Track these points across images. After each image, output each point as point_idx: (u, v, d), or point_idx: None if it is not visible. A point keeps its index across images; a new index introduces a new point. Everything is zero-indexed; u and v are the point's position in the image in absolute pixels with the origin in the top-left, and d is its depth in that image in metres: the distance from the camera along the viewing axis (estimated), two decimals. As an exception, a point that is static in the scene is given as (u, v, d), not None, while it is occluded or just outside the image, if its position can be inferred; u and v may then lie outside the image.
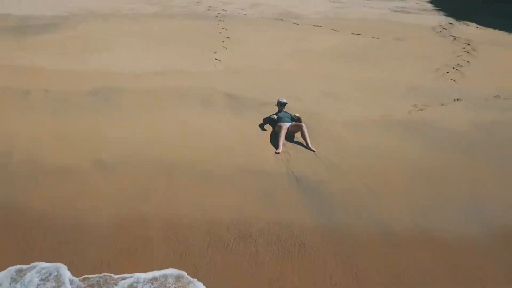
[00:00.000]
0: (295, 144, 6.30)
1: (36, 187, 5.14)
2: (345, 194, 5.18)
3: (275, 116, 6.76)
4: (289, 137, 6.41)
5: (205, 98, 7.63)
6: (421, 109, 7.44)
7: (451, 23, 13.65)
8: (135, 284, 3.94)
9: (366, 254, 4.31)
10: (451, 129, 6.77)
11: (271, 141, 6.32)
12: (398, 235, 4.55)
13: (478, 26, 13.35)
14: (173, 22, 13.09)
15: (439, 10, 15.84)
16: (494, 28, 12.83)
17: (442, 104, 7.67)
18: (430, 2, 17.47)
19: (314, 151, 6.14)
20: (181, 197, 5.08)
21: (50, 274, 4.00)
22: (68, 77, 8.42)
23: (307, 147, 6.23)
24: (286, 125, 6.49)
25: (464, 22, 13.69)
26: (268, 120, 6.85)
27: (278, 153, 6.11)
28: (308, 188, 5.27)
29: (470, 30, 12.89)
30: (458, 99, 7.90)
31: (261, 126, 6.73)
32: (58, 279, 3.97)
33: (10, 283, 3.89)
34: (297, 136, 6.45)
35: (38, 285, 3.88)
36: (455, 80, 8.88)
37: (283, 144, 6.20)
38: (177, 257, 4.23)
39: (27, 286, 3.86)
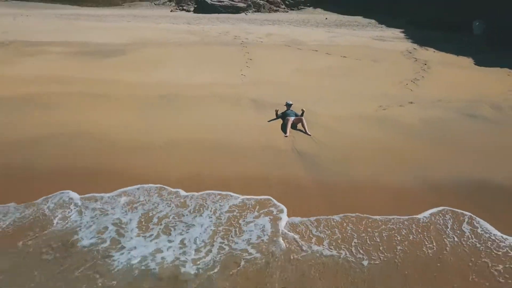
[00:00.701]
0: (297, 131, 7.66)
1: (131, 158, 6.61)
2: (329, 161, 6.52)
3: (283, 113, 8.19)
4: (293, 126, 7.77)
5: (235, 101, 9.08)
6: (385, 109, 8.76)
7: (415, 48, 14.83)
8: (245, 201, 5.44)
9: (339, 193, 5.67)
10: (405, 122, 8.08)
11: (281, 129, 7.69)
12: (361, 183, 5.91)
13: (435, 50, 14.50)
14: (209, 48, 14.56)
15: (408, 38, 16.97)
16: (446, 52, 13.98)
17: (400, 106, 8.96)
18: (402, 32, 18.59)
19: (310, 135, 7.52)
20: (224, 164, 6.46)
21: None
22: (141, 86, 9.91)
23: (305, 132, 7.60)
24: (291, 119, 7.87)
25: (425, 47, 14.85)
26: (279, 115, 8.23)
27: (286, 136, 7.50)
28: (306, 158, 6.63)
29: (429, 53, 14.08)
30: (412, 102, 9.19)
31: (274, 120, 8.14)
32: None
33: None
34: (299, 126, 7.80)
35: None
36: (411, 89, 10.16)
37: (290, 131, 7.61)
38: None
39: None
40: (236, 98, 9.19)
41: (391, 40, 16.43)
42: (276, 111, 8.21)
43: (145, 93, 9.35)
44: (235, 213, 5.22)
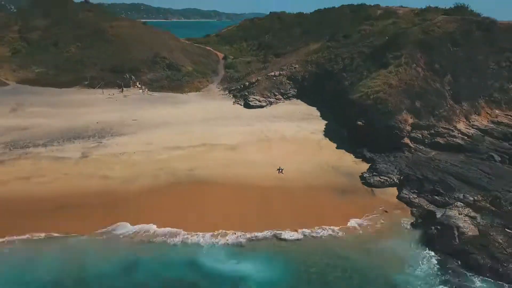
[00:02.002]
0: (281, 173, 37.51)
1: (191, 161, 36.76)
2: (291, 180, 36.27)
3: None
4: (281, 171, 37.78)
5: (230, 148, 39.17)
6: (311, 168, 38.84)
7: (320, 139, 44.86)
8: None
9: (296, 193, 35.00)
10: (322, 170, 38.02)
11: (278, 172, 37.67)
12: (313, 186, 35.46)
13: (329, 140, 44.41)
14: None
15: (321, 132, 46.90)
16: (333, 141, 43.94)
17: (320, 167, 39.02)
18: (324, 126, 48.35)
19: (283, 174, 37.65)
20: (239, 171, 36.50)
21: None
22: (185, 139, 40.01)
23: (280, 172, 37.61)
24: (281, 169, 37.99)
25: (325, 138, 44.76)
26: (278, 169, 38.05)
27: (280, 173, 37.70)
28: (279, 180, 36.50)
29: (325, 141, 44.00)
30: (319, 165, 39.23)
31: (278, 170, 38.04)
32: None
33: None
34: (281, 172, 37.70)
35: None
36: (313, 157, 40.20)
37: (279, 173, 37.55)
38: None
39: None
40: (231, 146, 39.30)
41: (315, 133, 46.35)
42: (278, 168, 38.17)
43: (188, 144, 39.65)
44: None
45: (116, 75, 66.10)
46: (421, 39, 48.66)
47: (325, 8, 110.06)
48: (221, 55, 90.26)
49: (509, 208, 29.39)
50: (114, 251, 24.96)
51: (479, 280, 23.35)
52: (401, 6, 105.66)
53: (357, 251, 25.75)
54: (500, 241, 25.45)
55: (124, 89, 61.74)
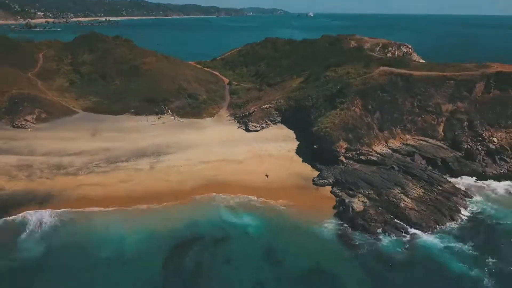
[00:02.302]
0: (267, 178, 63.89)
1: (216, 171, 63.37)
2: (272, 182, 62.70)
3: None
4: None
5: (238, 162, 65.73)
6: (286, 174, 65.41)
7: (292, 157, 71.66)
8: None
9: (274, 189, 61.59)
10: (293, 174, 64.62)
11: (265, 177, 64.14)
12: (285, 185, 62.04)
13: (300, 157, 70.99)
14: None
15: (294, 151, 73.52)
16: (304, 158, 70.59)
17: (288, 173, 65.65)
18: (295, 146, 74.92)
19: (267, 178, 64.20)
20: (242, 177, 63.06)
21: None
22: (209, 156, 66.54)
23: (266, 177, 64.10)
24: (267, 175, 64.56)
25: (299, 157, 71.34)
26: (265, 175, 64.53)
27: (266, 178, 64.30)
28: (265, 183, 62.82)
29: (296, 159, 70.68)
30: (293, 171, 65.90)
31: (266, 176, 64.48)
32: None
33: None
34: (267, 177, 64.10)
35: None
36: (288, 168, 66.84)
37: (266, 177, 63.99)
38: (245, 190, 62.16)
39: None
40: (239, 160, 65.89)
41: (290, 151, 72.88)
42: (265, 175, 64.67)
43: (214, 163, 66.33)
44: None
45: (152, 104, 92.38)
46: (360, 88, 75.08)
47: (310, 39, 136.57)
48: (226, 80, 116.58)
49: (385, 197, 56.07)
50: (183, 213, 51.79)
51: (357, 233, 49.76)
52: (371, 37, 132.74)
53: (297, 216, 52.30)
54: (372, 213, 52.16)
55: (162, 115, 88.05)
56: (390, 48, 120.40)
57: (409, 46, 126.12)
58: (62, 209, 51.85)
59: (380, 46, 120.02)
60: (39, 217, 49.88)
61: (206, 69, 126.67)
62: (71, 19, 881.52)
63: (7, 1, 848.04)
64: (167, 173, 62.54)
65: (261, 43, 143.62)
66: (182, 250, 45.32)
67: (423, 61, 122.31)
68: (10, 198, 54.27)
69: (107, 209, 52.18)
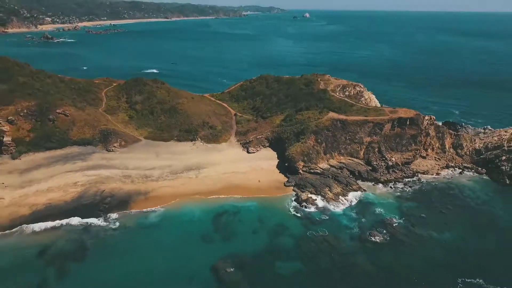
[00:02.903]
0: (259, 182, 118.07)
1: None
2: (262, 184, 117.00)
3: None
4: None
5: (244, 173, 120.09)
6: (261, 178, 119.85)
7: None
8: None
9: (262, 189, 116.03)
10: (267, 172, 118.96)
11: (258, 181, 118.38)
12: (268, 186, 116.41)
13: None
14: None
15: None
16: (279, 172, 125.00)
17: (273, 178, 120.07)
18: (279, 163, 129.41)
19: (260, 183, 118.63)
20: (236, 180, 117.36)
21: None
22: (228, 170, 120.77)
23: (259, 182, 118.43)
24: (259, 180, 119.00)
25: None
26: (259, 180, 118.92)
27: (259, 181, 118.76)
28: (258, 184, 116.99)
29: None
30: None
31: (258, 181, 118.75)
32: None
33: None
34: (260, 180, 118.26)
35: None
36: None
37: (259, 181, 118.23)
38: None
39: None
40: (242, 170, 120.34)
41: (273, 166, 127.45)
42: (258, 180, 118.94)
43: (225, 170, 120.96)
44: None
45: (188, 133, 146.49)
46: (314, 129, 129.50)
47: (292, 77, 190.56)
48: (232, 112, 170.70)
49: (319, 192, 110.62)
50: (217, 201, 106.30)
51: (302, 208, 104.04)
52: (336, 78, 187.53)
53: (275, 201, 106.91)
54: (310, 200, 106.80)
55: (195, 142, 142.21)
56: (348, 88, 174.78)
57: (361, 85, 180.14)
58: (146, 210, 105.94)
59: (341, 87, 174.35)
60: (110, 220, 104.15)
61: (218, 101, 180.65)
62: (78, 24, 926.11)
63: (16, 7, 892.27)
64: (204, 180, 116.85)
65: (257, 79, 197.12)
66: (220, 216, 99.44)
67: (373, 96, 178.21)
68: (128, 194, 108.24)
69: (176, 200, 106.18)
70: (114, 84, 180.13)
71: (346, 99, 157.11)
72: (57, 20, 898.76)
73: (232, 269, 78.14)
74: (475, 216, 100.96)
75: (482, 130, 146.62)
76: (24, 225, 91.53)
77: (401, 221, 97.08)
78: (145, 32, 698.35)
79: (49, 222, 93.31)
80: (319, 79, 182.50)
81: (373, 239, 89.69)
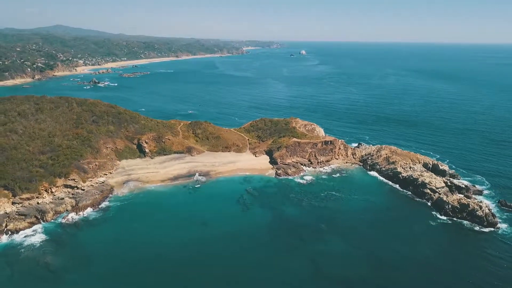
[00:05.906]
0: (260, 168, 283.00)
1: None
2: (260, 166, 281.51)
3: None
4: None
5: (253, 164, 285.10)
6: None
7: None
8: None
9: (260, 170, 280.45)
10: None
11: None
12: (262, 169, 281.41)
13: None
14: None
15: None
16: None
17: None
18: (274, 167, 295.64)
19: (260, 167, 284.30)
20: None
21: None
22: (247, 165, 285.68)
23: (260, 168, 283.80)
24: (260, 167, 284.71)
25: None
26: None
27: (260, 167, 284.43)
28: (258, 168, 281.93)
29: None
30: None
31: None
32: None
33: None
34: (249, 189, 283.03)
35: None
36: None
37: (260, 167, 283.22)
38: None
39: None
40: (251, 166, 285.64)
41: (266, 160, 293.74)
42: (260, 167, 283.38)
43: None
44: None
45: (227, 148, 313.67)
46: (285, 146, 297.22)
47: (279, 118, 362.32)
48: (246, 138, 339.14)
49: (291, 167, 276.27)
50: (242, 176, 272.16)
51: (281, 178, 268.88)
52: (303, 120, 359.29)
53: (265, 174, 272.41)
54: (287, 172, 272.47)
55: (230, 152, 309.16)
56: (307, 126, 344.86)
57: (315, 124, 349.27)
58: (215, 176, 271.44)
59: (303, 125, 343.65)
60: (202, 178, 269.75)
61: (238, 132, 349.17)
62: (105, 65, 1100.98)
63: (53, 51, 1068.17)
64: (237, 166, 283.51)
65: (259, 120, 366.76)
66: (245, 179, 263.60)
67: (322, 129, 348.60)
68: (206, 171, 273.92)
69: (227, 174, 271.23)
70: (182, 123, 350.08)
71: (304, 131, 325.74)
72: (88, 63, 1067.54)
73: (251, 189, 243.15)
74: (351, 179, 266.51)
75: (367, 146, 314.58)
76: (169, 181, 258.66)
77: (316, 179, 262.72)
78: (166, 74, 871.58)
79: (179, 180, 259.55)
80: (292, 121, 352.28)
81: (304, 182, 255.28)
